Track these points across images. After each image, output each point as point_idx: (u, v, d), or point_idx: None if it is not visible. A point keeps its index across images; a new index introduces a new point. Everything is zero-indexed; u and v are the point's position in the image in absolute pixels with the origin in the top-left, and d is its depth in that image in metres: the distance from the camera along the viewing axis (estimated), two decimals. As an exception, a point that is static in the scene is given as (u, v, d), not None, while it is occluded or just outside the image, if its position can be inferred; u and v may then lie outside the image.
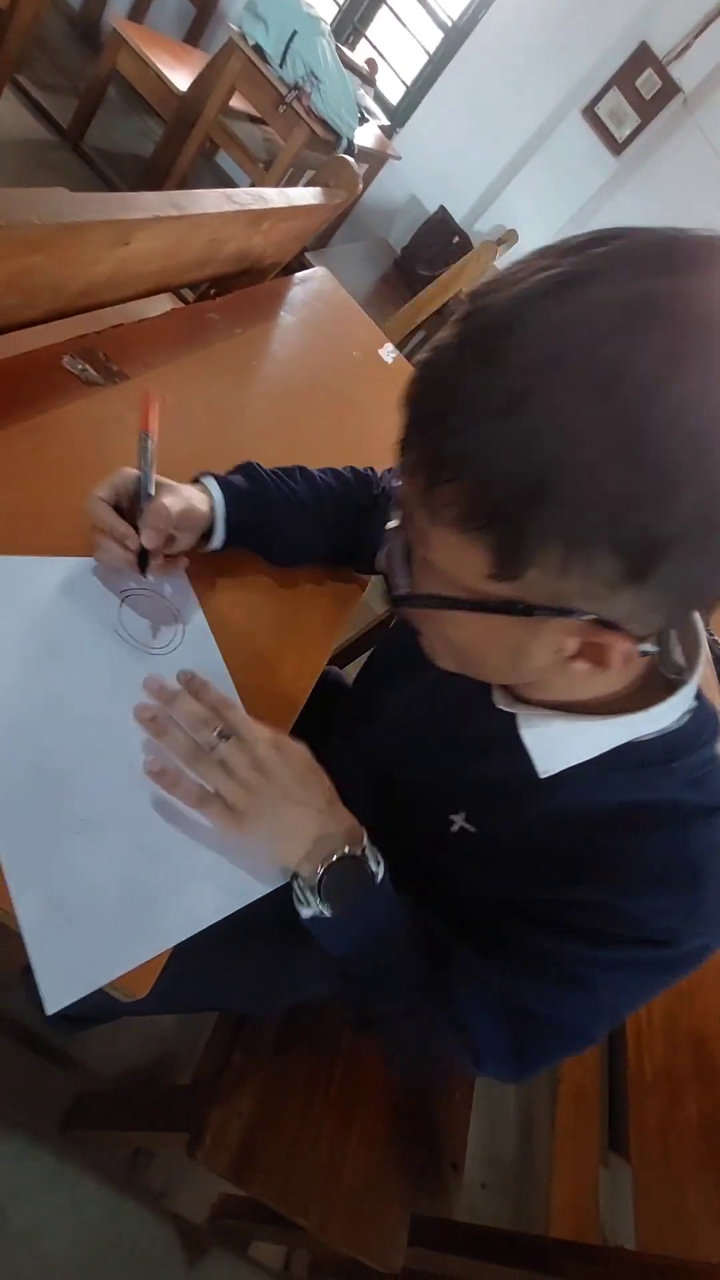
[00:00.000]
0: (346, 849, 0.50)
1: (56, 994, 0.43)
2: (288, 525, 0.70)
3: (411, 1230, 0.84)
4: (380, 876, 0.51)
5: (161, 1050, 1.20)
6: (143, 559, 0.58)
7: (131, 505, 0.59)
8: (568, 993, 0.49)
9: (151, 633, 0.61)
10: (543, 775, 0.49)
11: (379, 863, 0.52)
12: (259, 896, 0.52)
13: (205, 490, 0.65)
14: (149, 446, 0.58)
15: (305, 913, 0.51)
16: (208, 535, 0.66)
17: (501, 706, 0.50)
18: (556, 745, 0.48)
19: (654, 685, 0.48)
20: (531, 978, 0.50)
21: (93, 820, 0.47)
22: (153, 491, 0.58)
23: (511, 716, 0.50)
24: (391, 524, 0.44)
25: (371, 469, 0.82)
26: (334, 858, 0.49)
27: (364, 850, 0.51)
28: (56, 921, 0.43)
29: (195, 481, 0.66)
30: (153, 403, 0.58)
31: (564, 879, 0.50)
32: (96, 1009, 0.83)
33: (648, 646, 0.39)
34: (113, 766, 0.51)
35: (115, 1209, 1.07)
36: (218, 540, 0.65)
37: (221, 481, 0.66)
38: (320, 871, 0.49)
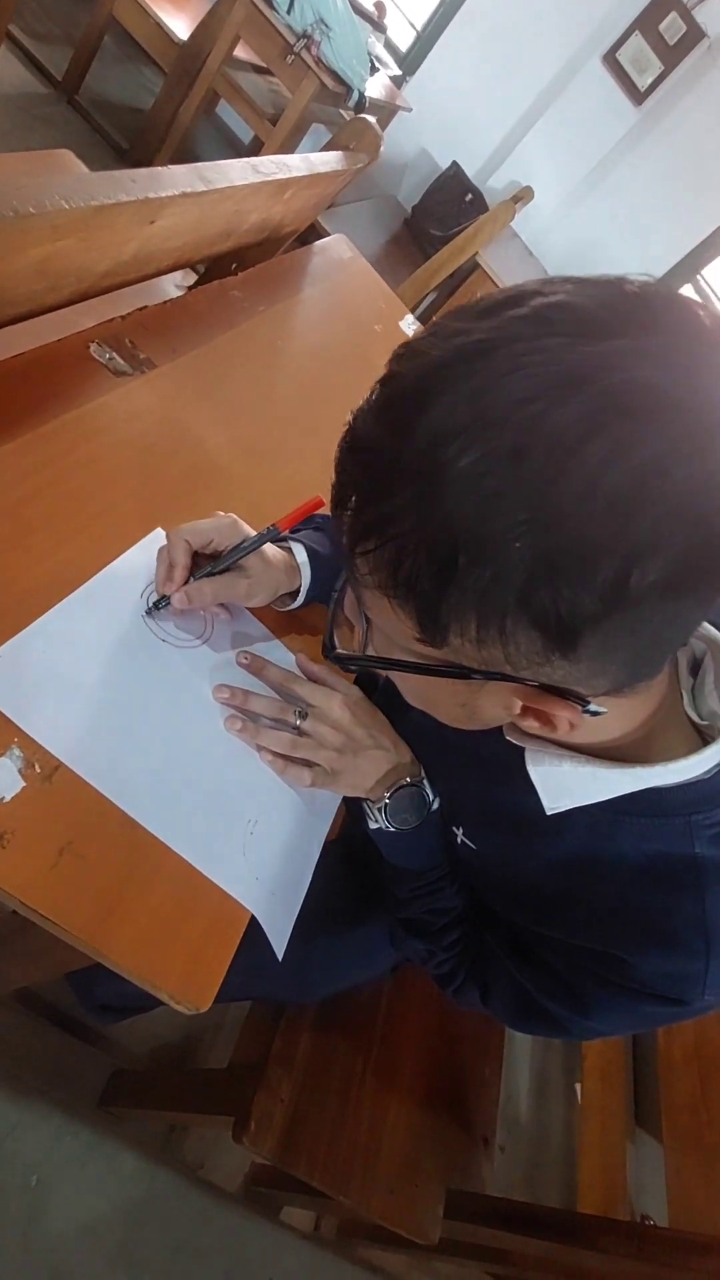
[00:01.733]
0: (409, 779, 0.59)
1: (280, 939, 0.54)
2: None
3: (447, 1203, 0.87)
4: (435, 805, 0.60)
5: (188, 1029, 1.23)
6: (160, 602, 0.57)
7: (213, 554, 0.59)
8: (575, 1012, 0.52)
9: (184, 626, 0.60)
10: (550, 812, 0.47)
11: (436, 795, 0.60)
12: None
13: (294, 561, 0.64)
14: (268, 535, 0.59)
15: (371, 825, 0.61)
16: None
17: (510, 738, 0.47)
18: (565, 785, 0.46)
19: (674, 732, 0.44)
20: (543, 987, 0.54)
21: (253, 816, 0.56)
22: (238, 564, 0.59)
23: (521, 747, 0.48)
24: (341, 579, 0.44)
25: None
26: (399, 785, 0.59)
27: (422, 780, 0.60)
28: (264, 895, 0.53)
29: (282, 540, 0.65)
30: (313, 513, 0.61)
31: (576, 922, 0.50)
32: (139, 1000, 0.84)
33: (596, 708, 0.37)
34: (236, 766, 0.57)
35: (152, 1179, 1.11)
36: (295, 605, 0.66)
37: (310, 552, 0.64)
38: (387, 796, 0.59)
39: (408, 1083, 0.91)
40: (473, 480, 0.30)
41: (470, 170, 2.98)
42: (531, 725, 0.40)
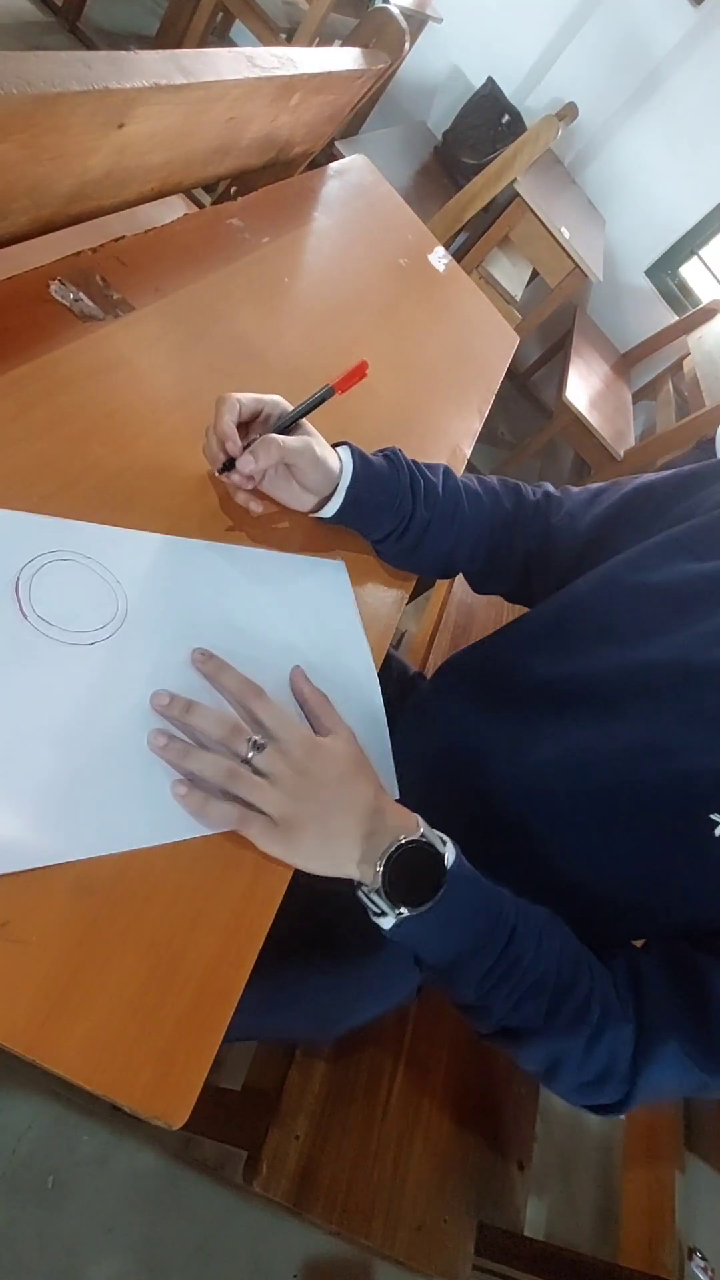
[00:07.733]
0: (403, 838, 0.45)
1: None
2: (414, 523, 0.64)
3: (479, 1239, 0.80)
4: (451, 856, 0.45)
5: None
6: (229, 463, 0.55)
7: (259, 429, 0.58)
8: None
9: (73, 612, 0.45)
10: None
11: (444, 841, 0.46)
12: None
13: (338, 455, 0.61)
14: (321, 397, 0.58)
15: (386, 924, 0.46)
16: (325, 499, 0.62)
17: None
18: None
19: None
20: None
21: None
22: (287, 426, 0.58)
23: None
24: None
25: (520, 483, 0.74)
26: (392, 849, 0.44)
27: (422, 835, 0.45)
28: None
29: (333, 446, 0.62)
30: (362, 375, 0.59)
31: None
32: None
33: None
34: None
35: (174, 1178, 1.08)
36: (332, 509, 0.61)
37: (356, 452, 0.61)
38: (380, 869, 0.44)
39: (436, 1106, 0.84)
40: None
41: (508, 88, 2.70)
42: None
